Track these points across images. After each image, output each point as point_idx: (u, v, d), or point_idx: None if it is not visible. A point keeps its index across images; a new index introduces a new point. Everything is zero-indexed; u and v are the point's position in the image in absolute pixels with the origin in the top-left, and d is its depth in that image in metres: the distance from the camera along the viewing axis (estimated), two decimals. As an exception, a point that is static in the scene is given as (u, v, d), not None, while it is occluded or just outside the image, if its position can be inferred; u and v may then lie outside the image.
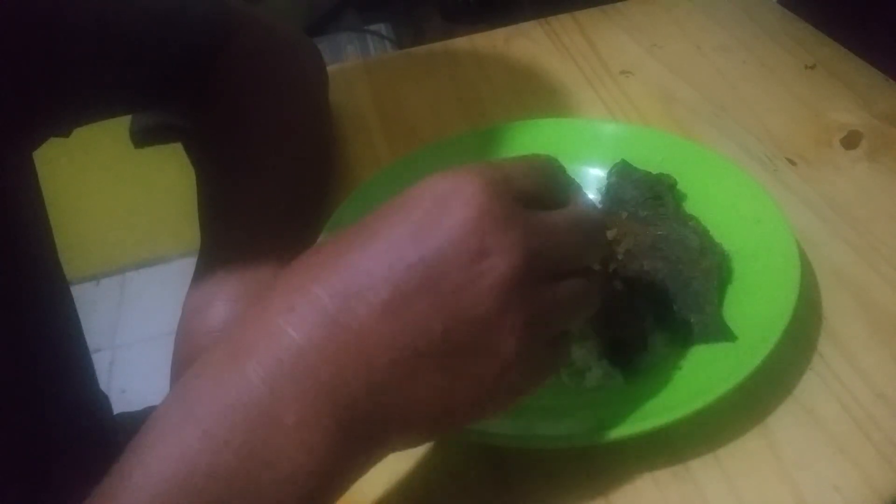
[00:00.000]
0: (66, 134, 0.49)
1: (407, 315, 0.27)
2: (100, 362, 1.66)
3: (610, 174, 0.51)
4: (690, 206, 0.49)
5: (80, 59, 0.44)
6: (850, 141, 0.56)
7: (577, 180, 0.50)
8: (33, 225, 0.45)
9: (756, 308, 0.41)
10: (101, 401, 0.54)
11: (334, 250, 0.29)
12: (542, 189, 0.31)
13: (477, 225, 0.27)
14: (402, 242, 0.28)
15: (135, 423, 0.27)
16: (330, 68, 0.75)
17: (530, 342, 0.28)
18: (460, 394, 0.29)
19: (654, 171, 0.50)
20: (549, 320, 0.30)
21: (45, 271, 0.46)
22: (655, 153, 0.51)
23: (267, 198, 0.49)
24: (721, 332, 0.40)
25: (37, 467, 0.40)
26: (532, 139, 0.55)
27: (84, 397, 0.49)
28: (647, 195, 0.48)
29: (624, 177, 0.50)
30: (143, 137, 0.87)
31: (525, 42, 0.74)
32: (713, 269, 0.43)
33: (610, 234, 0.45)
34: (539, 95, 0.66)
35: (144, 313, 1.76)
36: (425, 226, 0.28)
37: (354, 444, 0.27)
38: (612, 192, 0.50)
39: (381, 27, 0.94)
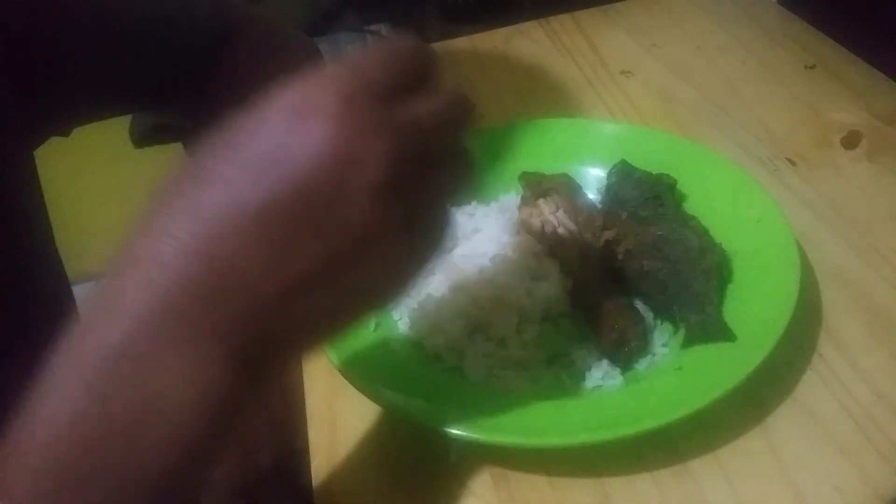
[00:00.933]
0: (67, 134, 0.49)
1: (259, 191, 0.25)
2: (100, 362, 1.66)
3: (610, 174, 0.51)
4: (690, 206, 0.49)
5: (81, 59, 0.44)
6: (850, 141, 0.56)
7: (577, 180, 0.51)
8: (34, 224, 0.45)
9: (756, 308, 0.41)
10: None
11: (192, 190, 0.27)
12: (403, 76, 0.28)
13: (339, 139, 0.25)
14: (265, 169, 0.26)
15: None
16: (330, 68, 0.75)
17: (409, 234, 0.27)
18: (349, 300, 0.28)
19: (654, 171, 0.50)
20: (425, 205, 0.28)
21: (46, 270, 0.46)
22: (655, 153, 0.51)
23: None
24: (721, 332, 0.40)
25: None
26: (532, 139, 0.55)
27: None
28: (647, 195, 0.48)
29: (624, 177, 0.50)
30: (143, 137, 0.87)
31: (525, 42, 0.74)
32: (713, 269, 0.43)
33: (610, 234, 0.45)
34: (539, 95, 0.66)
35: (144, 313, 1.76)
36: (286, 149, 0.26)
37: (243, 368, 0.26)
38: (612, 192, 0.50)
39: (381, 27, 0.94)
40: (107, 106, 0.51)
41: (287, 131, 0.26)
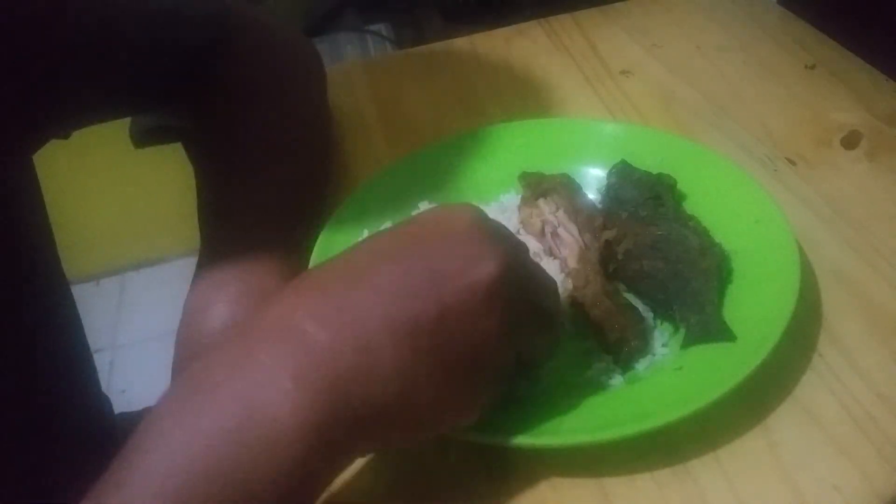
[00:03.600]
0: (66, 136, 0.49)
1: (406, 301, 0.30)
2: (100, 362, 1.65)
3: (610, 174, 0.51)
4: (690, 206, 0.49)
5: (81, 61, 0.44)
6: (850, 141, 0.56)
7: (577, 180, 0.51)
8: (33, 226, 0.45)
9: (756, 308, 0.41)
10: (102, 402, 0.54)
11: (343, 254, 0.33)
12: (508, 231, 0.36)
13: (474, 234, 0.31)
14: (404, 243, 0.32)
15: (134, 424, 0.27)
16: (330, 68, 0.75)
17: (508, 342, 0.32)
18: (452, 380, 0.31)
19: (654, 171, 0.50)
20: (521, 331, 0.33)
21: (45, 272, 0.46)
22: (655, 153, 0.51)
23: (266, 199, 0.49)
24: (721, 332, 0.40)
25: (37, 468, 0.40)
26: (532, 139, 0.55)
27: (85, 398, 0.49)
28: (647, 195, 0.48)
29: (624, 177, 0.50)
30: (143, 137, 0.87)
31: (525, 42, 0.74)
32: (713, 269, 0.43)
33: (610, 234, 0.45)
34: (539, 95, 0.66)
35: (144, 313, 1.76)
36: (427, 231, 0.32)
37: (346, 418, 0.28)
38: (612, 192, 0.50)
39: (381, 27, 0.94)
40: (106, 108, 0.51)
41: (431, 229, 0.32)
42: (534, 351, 0.36)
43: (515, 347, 0.33)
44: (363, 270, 0.31)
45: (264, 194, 0.49)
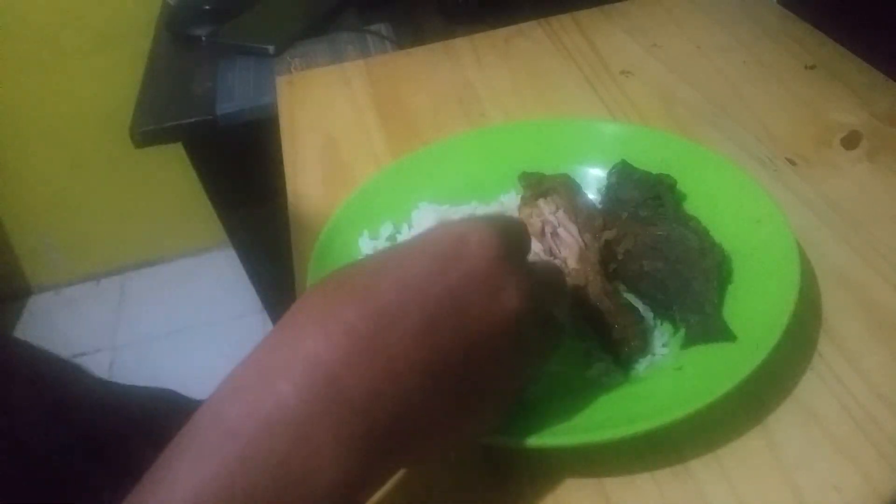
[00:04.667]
0: None
1: (435, 340, 0.29)
2: (100, 362, 1.66)
3: (610, 174, 0.51)
4: (690, 206, 0.49)
5: None
6: (850, 141, 0.56)
7: (577, 180, 0.51)
8: None
9: (756, 308, 0.41)
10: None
11: (362, 280, 0.31)
12: (523, 241, 0.36)
13: (495, 263, 0.31)
14: (429, 275, 0.30)
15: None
16: (330, 68, 0.75)
17: (526, 363, 0.34)
18: (474, 407, 0.32)
19: (654, 171, 0.50)
20: (536, 348, 0.35)
21: None
22: (655, 153, 0.51)
23: None
24: (721, 332, 0.40)
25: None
26: (532, 139, 0.55)
27: None
28: (647, 195, 0.48)
29: (624, 177, 0.50)
30: (143, 137, 0.87)
31: (525, 42, 0.74)
32: (713, 269, 0.43)
33: (610, 234, 0.45)
34: (539, 95, 0.66)
35: (144, 313, 1.76)
36: (449, 261, 0.31)
37: (382, 459, 0.29)
38: (612, 192, 0.50)
39: (381, 27, 0.94)
40: None
41: (451, 249, 0.32)
42: (541, 359, 0.37)
43: (531, 364, 0.35)
44: (392, 311, 0.29)
45: None
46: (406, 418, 0.29)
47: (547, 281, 0.36)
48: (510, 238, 0.33)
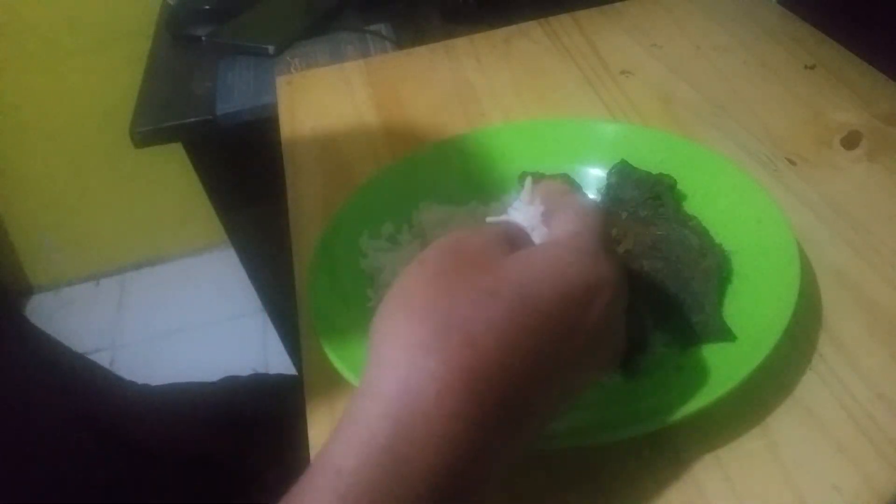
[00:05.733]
0: None
1: (542, 336, 0.29)
2: (100, 362, 1.66)
3: (610, 174, 0.51)
4: (690, 206, 0.49)
5: None
6: (850, 141, 0.56)
7: (577, 180, 0.51)
8: None
9: (756, 308, 0.41)
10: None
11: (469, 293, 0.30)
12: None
13: (614, 316, 0.32)
14: (561, 335, 0.30)
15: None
16: (330, 68, 0.75)
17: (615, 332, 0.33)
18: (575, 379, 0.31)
19: (654, 171, 0.50)
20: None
21: None
22: (655, 153, 0.51)
23: None
24: (721, 332, 0.40)
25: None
26: (532, 139, 0.55)
27: None
28: (647, 195, 0.48)
29: (624, 177, 0.50)
30: (143, 137, 0.87)
31: (525, 42, 0.74)
32: (713, 269, 0.43)
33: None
34: (539, 95, 0.66)
35: (144, 313, 1.76)
36: (579, 313, 0.30)
37: (492, 436, 0.28)
38: (612, 192, 0.50)
39: (381, 27, 0.94)
40: None
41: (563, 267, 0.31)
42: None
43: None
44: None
45: None
46: (507, 363, 0.28)
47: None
48: (623, 278, 0.33)
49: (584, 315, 0.30)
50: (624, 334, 0.34)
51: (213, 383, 0.65)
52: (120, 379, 0.59)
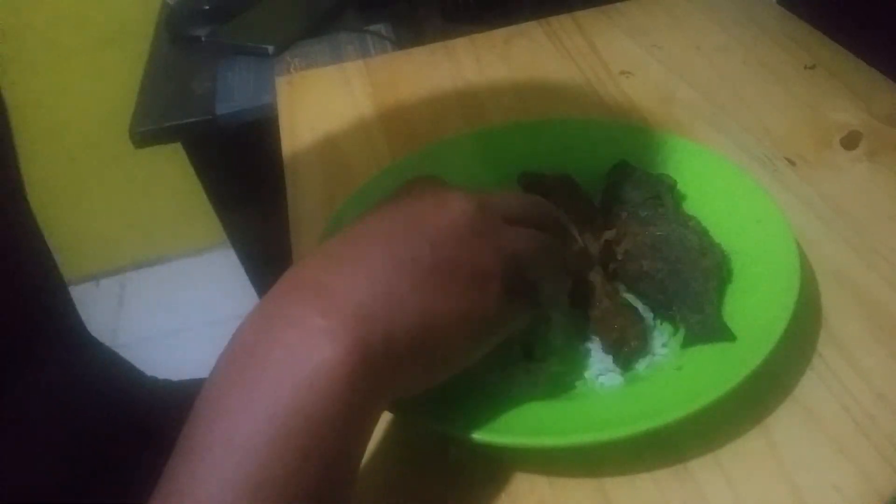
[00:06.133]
0: None
1: (403, 245, 0.33)
2: (100, 362, 1.66)
3: (610, 174, 0.51)
4: (690, 206, 0.49)
5: None
6: (850, 141, 0.56)
7: (577, 180, 0.51)
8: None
9: (756, 308, 0.41)
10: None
11: (344, 249, 0.34)
12: (522, 216, 0.38)
13: (471, 223, 0.34)
14: (406, 224, 0.34)
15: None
16: (330, 68, 0.75)
17: (505, 269, 0.35)
18: (449, 308, 0.33)
19: (654, 171, 0.50)
20: (513, 248, 0.36)
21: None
22: (655, 153, 0.51)
23: None
24: (721, 332, 0.40)
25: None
26: (532, 139, 0.55)
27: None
28: (647, 195, 0.48)
29: (624, 177, 0.50)
30: (143, 137, 0.87)
31: (525, 42, 0.74)
32: (713, 269, 0.43)
33: (610, 234, 0.45)
34: (539, 95, 0.66)
35: (144, 313, 1.76)
36: (428, 216, 0.34)
37: (383, 366, 0.30)
38: (612, 192, 0.50)
39: (381, 27, 0.94)
40: None
41: (426, 207, 0.35)
42: (544, 286, 0.38)
43: (515, 265, 0.36)
44: (359, 241, 0.33)
45: None
46: (390, 300, 0.31)
47: (532, 250, 0.37)
48: (490, 206, 0.36)
49: (425, 231, 0.33)
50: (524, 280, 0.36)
51: None
52: (143, 373, 0.60)
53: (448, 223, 0.34)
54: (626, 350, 0.41)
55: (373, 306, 0.30)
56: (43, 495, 0.42)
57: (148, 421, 0.51)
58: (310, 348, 0.28)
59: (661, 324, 0.43)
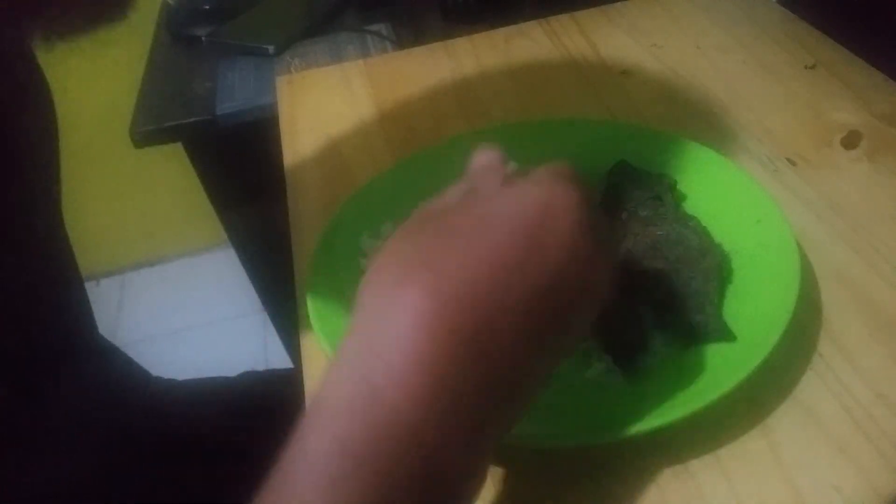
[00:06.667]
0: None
1: (534, 309, 0.29)
2: (100, 362, 1.66)
3: (610, 174, 0.51)
4: (690, 206, 0.49)
5: None
6: (850, 141, 0.56)
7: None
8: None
9: (756, 308, 0.41)
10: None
11: (453, 259, 0.30)
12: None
13: (582, 233, 0.31)
14: (524, 253, 0.30)
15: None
16: (330, 68, 0.75)
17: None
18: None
19: (654, 171, 0.50)
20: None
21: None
22: (655, 153, 0.51)
23: None
24: (721, 332, 0.40)
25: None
26: (532, 139, 0.55)
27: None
28: (647, 195, 0.48)
29: (624, 177, 0.50)
30: (144, 137, 0.87)
31: (525, 42, 0.74)
32: (713, 269, 0.43)
33: (610, 234, 0.45)
34: (539, 95, 0.66)
35: (144, 313, 1.76)
36: (536, 237, 0.31)
37: (463, 363, 0.28)
38: (612, 192, 0.50)
39: (381, 27, 0.94)
40: None
41: (541, 222, 0.31)
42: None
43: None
44: (493, 304, 0.29)
45: None
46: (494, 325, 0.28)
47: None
48: (588, 200, 0.33)
49: (545, 235, 0.31)
50: (606, 277, 0.34)
51: (233, 378, 0.66)
52: (147, 372, 0.60)
53: (560, 236, 0.31)
54: (627, 350, 0.41)
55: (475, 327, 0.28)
56: (71, 499, 0.42)
57: (157, 421, 0.51)
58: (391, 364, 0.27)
59: (661, 324, 0.43)
